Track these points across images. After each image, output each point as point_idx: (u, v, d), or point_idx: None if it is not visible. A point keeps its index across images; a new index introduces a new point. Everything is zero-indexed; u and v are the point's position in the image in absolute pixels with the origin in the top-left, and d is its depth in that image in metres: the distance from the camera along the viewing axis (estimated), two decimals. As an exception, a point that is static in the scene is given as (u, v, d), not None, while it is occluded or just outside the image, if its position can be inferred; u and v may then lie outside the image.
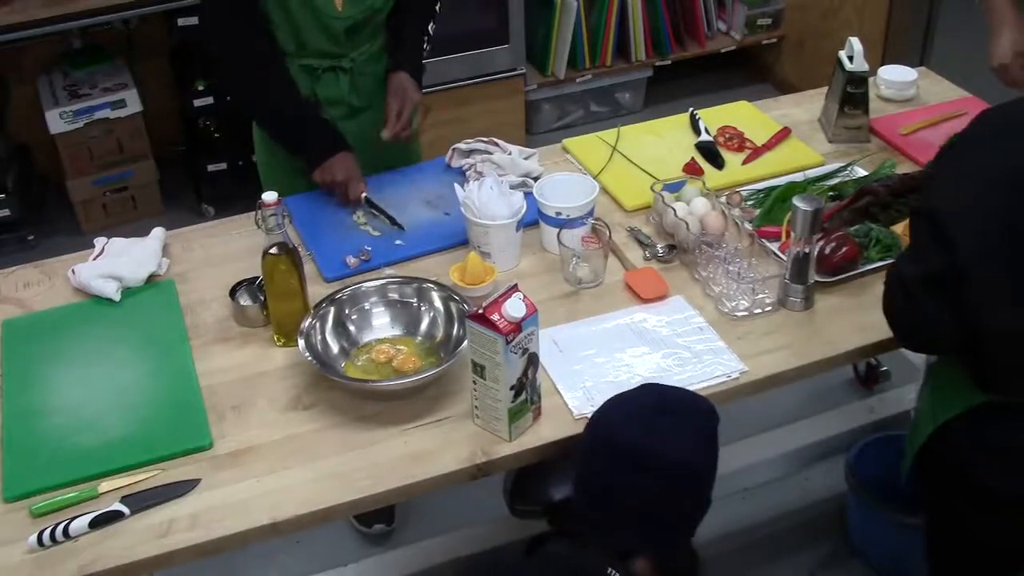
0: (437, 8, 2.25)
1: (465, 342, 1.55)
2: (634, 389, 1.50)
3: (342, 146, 2.09)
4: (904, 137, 2.27)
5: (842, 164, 2.17)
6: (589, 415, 1.59)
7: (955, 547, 1.73)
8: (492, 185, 1.90)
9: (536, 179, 2.08)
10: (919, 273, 1.47)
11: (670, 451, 1.37)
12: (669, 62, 4.20)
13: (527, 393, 1.54)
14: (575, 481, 1.45)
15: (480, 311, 1.47)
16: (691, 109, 2.38)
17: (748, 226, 1.92)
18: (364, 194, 2.07)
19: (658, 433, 1.38)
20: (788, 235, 1.94)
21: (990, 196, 1.41)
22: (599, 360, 1.70)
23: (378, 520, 2.49)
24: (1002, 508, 1.58)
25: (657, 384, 1.51)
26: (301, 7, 2.02)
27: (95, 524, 1.44)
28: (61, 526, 1.42)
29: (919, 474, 1.69)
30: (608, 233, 1.86)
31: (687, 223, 1.89)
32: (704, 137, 2.28)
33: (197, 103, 3.62)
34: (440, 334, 1.73)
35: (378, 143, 2.13)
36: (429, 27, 2.22)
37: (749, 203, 2.06)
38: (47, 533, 1.42)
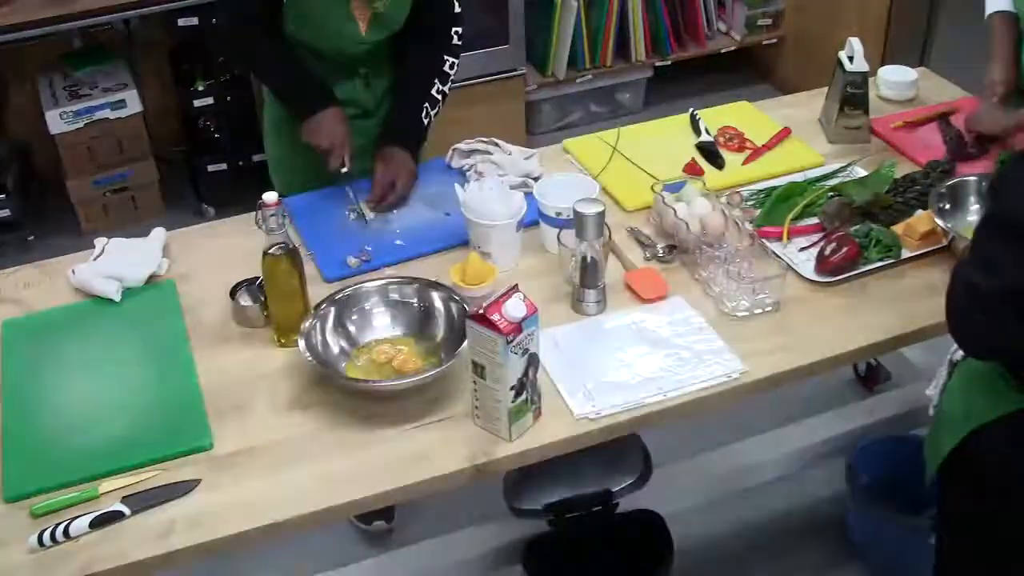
0: (448, 68, 2.16)
1: (465, 342, 1.55)
2: None
3: (328, 102, 2.07)
4: (904, 137, 2.27)
5: (842, 164, 2.17)
6: (590, 415, 1.59)
7: (973, 546, 1.72)
8: (492, 185, 1.90)
9: (536, 179, 2.08)
10: (1000, 288, 1.39)
11: None
12: (669, 62, 4.20)
13: (527, 393, 1.54)
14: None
15: (480, 311, 1.47)
16: (691, 109, 2.38)
17: (748, 226, 1.92)
18: (345, 170, 2.04)
19: None
20: (789, 235, 1.95)
21: None
22: (599, 360, 1.70)
23: (378, 517, 2.49)
24: None
25: None
26: (326, 35, 2.05)
27: (95, 524, 1.44)
28: (61, 526, 1.42)
29: (944, 474, 1.67)
30: (608, 233, 1.86)
31: (687, 223, 1.89)
32: (704, 137, 2.28)
33: (197, 103, 3.63)
34: (440, 334, 1.73)
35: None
36: (434, 90, 2.15)
37: (749, 203, 2.06)
38: (47, 533, 1.42)
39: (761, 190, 2.10)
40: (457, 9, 2.16)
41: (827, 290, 1.84)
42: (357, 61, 2.14)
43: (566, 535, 2.10)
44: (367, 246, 1.96)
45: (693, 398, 1.64)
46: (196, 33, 3.47)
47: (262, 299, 1.79)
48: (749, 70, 4.51)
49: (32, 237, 3.64)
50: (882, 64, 2.59)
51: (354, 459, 1.54)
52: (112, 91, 3.57)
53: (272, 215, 1.64)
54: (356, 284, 1.79)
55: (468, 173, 2.14)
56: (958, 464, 1.63)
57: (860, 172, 2.15)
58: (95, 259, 1.92)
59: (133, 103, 3.58)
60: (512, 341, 1.46)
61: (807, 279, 1.86)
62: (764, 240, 1.90)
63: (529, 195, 1.97)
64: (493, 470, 1.56)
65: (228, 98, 3.63)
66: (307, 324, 1.69)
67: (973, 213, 1.97)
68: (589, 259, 1.76)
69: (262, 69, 2.20)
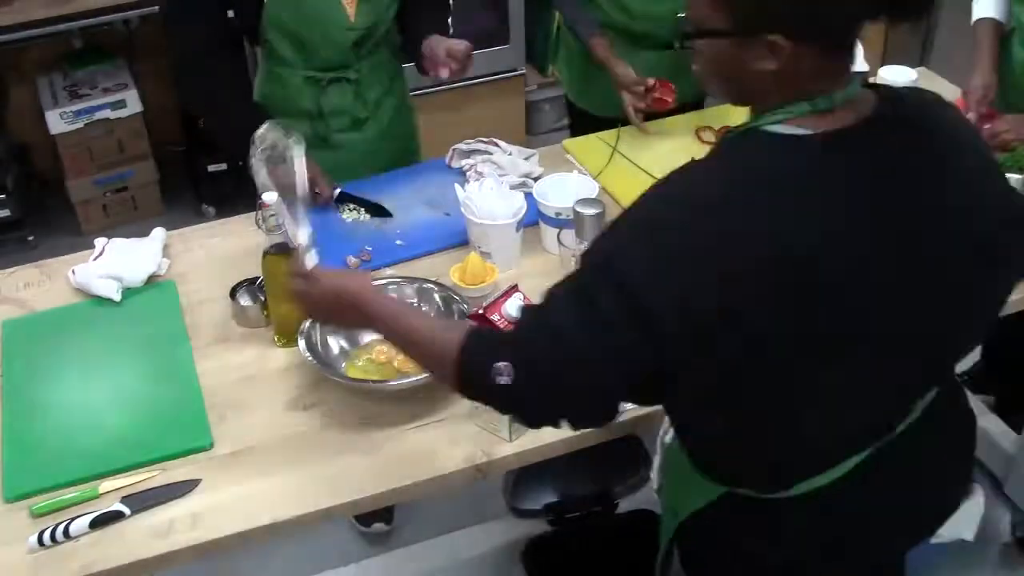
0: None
1: (465, 342, 1.55)
2: None
3: None
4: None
5: (842, 164, 2.17)
6: (588, 415, 1.59)
7: None
8: (492, 185, 1.90)
9: (536, 179, 2.08)
10: (606, 345, 1.12)
11: None
12: (669, 62, 4.19)
13: (527, 393, 1.54)
14: None
15: (480, 311, 1.47)
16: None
17: (748, 226, 1.91)
18: (337, 190, 2.06)
19: None
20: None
21: (697, 274, 1.10)
22: (599, 360, 1.69)
23: (378, 519, 2.49)
24: None
25: None
26: (312, 20, 2.02)
27: (95, 524, 1.44)
28: (61, 526, 1.42)
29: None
30: (608, 233, 1.86)
31: (687, 223, 1.89)
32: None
33: (197, 103, 3.62)
34: (440, 334, 1.73)
35: (382, 153, 2.14)
36: (449, 19, 2.20)
37: (749, 203, 2.06)
38: (47, 533, 1.42)
39: (761, 190, 2.09)
40: None
41: (827, 290, 1.84)
42: (347, 64, 2.10)
43: (566, 535, 2.10)
44: (367, 246, 1.96)
45: (693, 398, 1.64)
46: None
47: (262, 299, 1.79)
48: (749, 70, 4.50)
49: (32, 237, 3.64)
50: (882, 64, 2.59)
51: (354, 459, 1.54)
52: (112, 91, 3.57)
53: (272, 215, 1.64)
54: (356, 284, 1.79)
55: (468, 173, 2.14)
56: (684, 556, 1.46)
57: (860, 172, 2.14)
58: (95, 259, 1.92)
59: (133, 103, 3.58)
60: (512, 341, 1.46)
61: (807, 279, 1.86)
62: (764, 240, 1.90)
63: (529, 195, 1.97)
64: (493, 470, 1.56)
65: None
66: (307, 324, 1.69)
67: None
68: None
69: (220, 122, 2.13)
